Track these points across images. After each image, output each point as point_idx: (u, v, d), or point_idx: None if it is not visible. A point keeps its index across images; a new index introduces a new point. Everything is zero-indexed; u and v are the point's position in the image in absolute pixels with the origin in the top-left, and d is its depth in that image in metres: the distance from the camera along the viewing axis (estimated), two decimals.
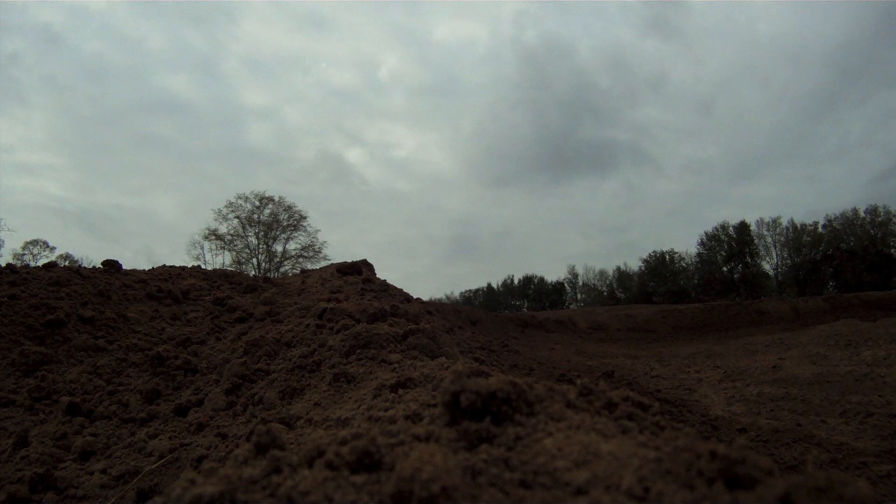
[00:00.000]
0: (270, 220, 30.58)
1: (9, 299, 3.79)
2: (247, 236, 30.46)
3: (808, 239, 35.04)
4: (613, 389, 0.83)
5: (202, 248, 29.79)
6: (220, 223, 30.03)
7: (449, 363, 2.45)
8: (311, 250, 30.78)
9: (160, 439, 2.43)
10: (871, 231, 33.38)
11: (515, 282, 50.07)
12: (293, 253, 30.94)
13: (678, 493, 0.52)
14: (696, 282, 38.44)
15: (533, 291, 48.93)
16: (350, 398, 2.18)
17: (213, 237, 29.64)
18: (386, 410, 1.57)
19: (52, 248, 32.35)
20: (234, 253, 30.21)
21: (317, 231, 31.49)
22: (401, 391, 1.89)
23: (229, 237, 30.10)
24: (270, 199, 30.78)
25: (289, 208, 30.98)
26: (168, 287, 4.93)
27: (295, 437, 1.77)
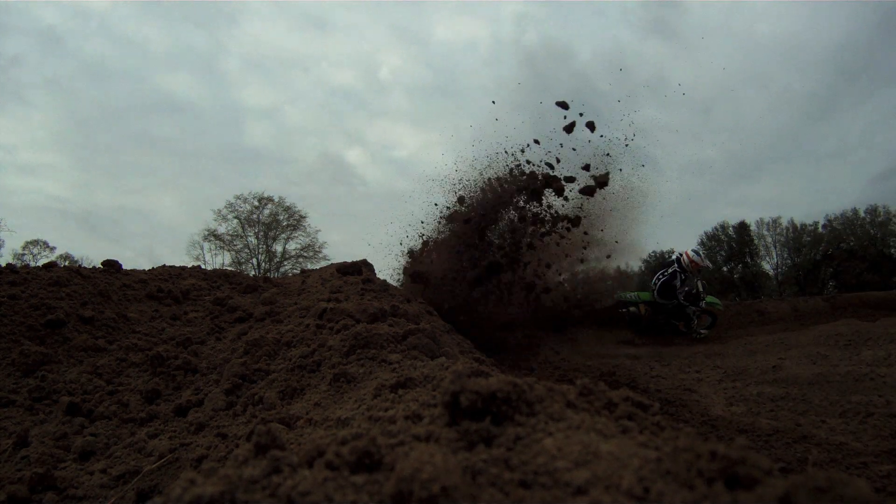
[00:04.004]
0: (270, 220, 30.63)
1: (9, 299, 3.79)
2: (246, 236, 30.51)
3: (808, 239, 35.04)
4: (613, 389, 0.83)
5: (202, 248, 29.84)
6: (220, 223, 30.09)
7: (449, 363, 2.45)
8: (310, 250, 30.82)
9: (160, 439, 2.43)
10: (871, 231, 33.40)
11: None
12: (293, 253, 30.98)
13: (678, 493, 0.52)
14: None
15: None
16: (350, 398, 2.18)
17: (213, 238, 29.70)
18: (386, 410, 1.57)
19: (52, 248, 32.33)
20: (234, 253, 30.26)
21: (317, 231, 31.52)
22: (401, 391, 1.89)
23: (228, 237, 30.16)
24: (270, 200, 30.83)
25: (288, 208, 31.03)
26: (168, 287, 4.94)
27: (295, 437, 1.77)
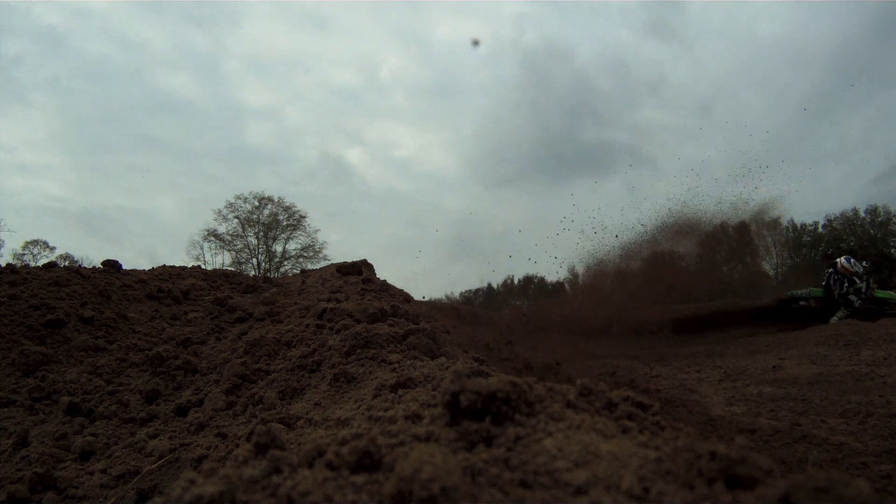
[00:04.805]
0: (270, 220, 30.64)
1: (9, 299, 3.79)
2: (246, 236, 30.51)
3: (808, 239, 35.05)
4: (613, 389, 0.83)
5: (202, 248, 29.85)
6: (220, 223, 30.10)
7: (449, 363, 2.45)
8: (311, 250, 30.85)
9: (160, 439, 2.43)
10: (871, 231, 33.41)
11: (515, 282, 50.17)
12: (293, 253, 31.00)
13: (678, 493, 0.52)
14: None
15: (533, 291, 49.01)
16: (350, 398, 2.18)
17: (213, 237, 29.70)
18: (386, 410, 1.57)
19: (52, 248, 32.32)
20: (234, 253, 30.27)
21: (316, 231, 31.54)
22: (401, 391, 1.89)
23: (228, 237, 30.16)
24: (270, 200, 30.86)
25: (288, 208, 31.05)
26: (168, 287, 4.94)
27: (295, 437, 1.77)
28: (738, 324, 11.72)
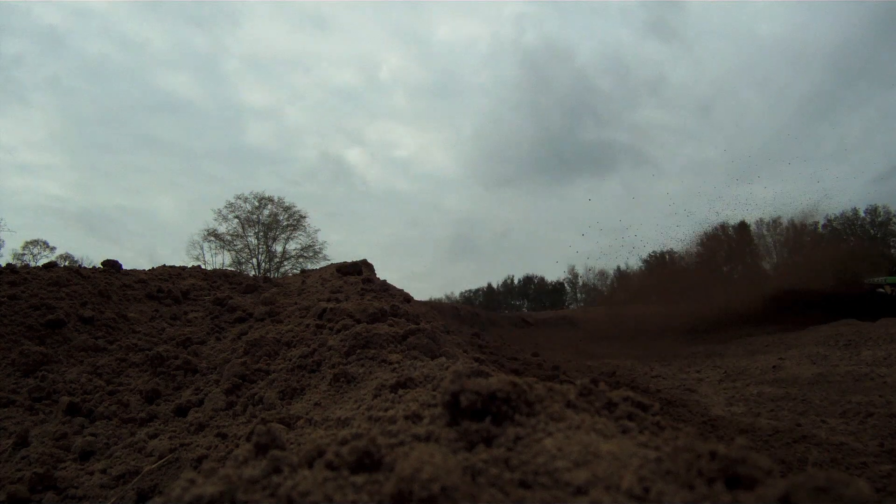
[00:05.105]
0: (270, 220, 30.63)
1: (9, 299, 3.79)
2: (246, 236, 30.51)
3: (808, 239, 35.09)
4: (613, 389, 0.83)
5: (202, 248, 29.85)
6: (220, 223, 30.10)
7: (449, 363, 2.45)
8: (311, 250, 30.85)
9: (160, 439, 2.43)
10: (871, 231, 33.44)
11: (515, 282, 50.22)
12: (293, 253, 31.00)
13: (678, 493, 0.52)
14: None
15: (533, 291, 49.06)
16: (350, 398, 2.18)
17: (213, 237, 29.70)
18: (386, 410, 1.57)
19: (52, 248, 32.34)
20: (234, 253, 30.27)
21: (316, 231, 31.56)
22: (401, 391, 1.89)
23: (228, 237, 30.16)
24: (270, 200, 30.86)
25: (288, 208, 31.05)
26: (168, 287, 4.93)
27: (295, 437, 1.77)
28: (755, 322, 11.97)
